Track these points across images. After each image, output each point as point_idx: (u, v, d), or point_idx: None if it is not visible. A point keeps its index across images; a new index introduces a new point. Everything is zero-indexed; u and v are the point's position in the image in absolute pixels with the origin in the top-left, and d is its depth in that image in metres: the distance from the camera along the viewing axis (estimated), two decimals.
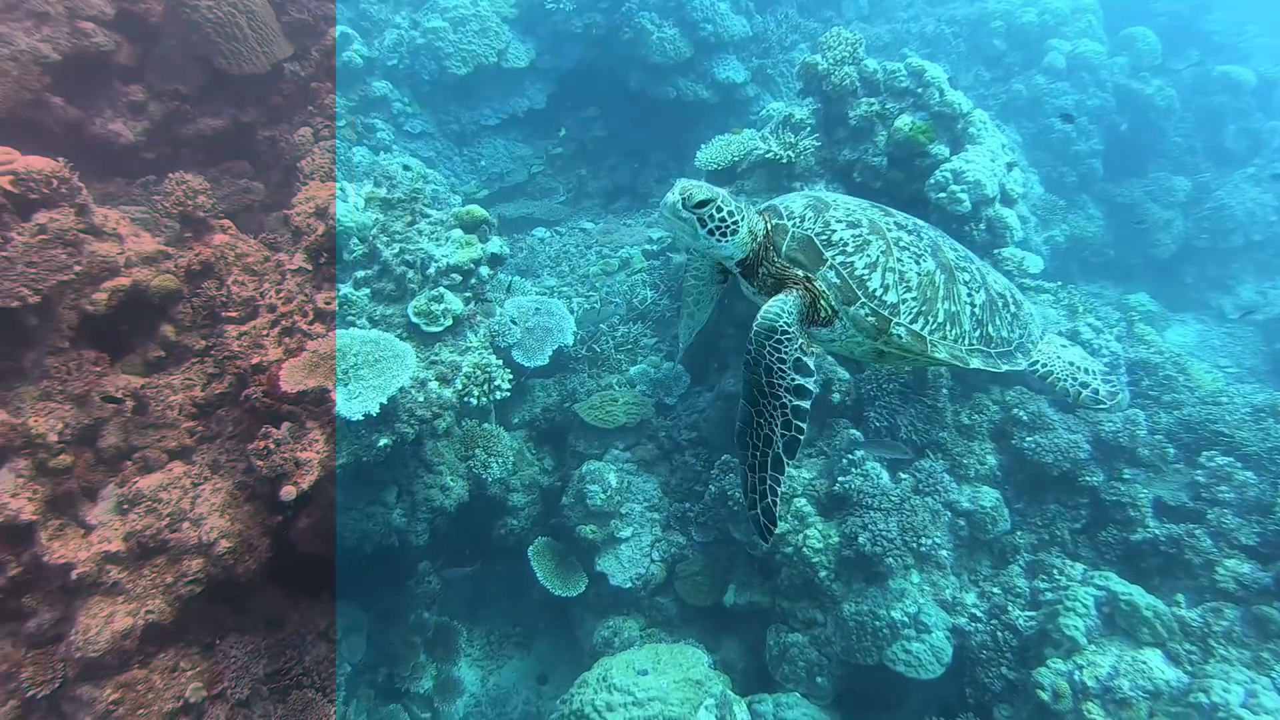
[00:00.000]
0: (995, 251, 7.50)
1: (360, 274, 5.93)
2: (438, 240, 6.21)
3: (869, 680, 6.83)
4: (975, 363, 3.53)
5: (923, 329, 3.35)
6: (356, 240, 5.89)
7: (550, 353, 8.21)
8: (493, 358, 6.50)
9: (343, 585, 6.60)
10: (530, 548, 7.77)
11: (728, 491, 7.26)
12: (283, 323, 5.75)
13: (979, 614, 6.77)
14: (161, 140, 7.79)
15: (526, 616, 8.71)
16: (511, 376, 6.71)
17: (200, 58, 7.79)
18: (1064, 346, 4.13)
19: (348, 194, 6.04)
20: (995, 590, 6.85)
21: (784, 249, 3.34)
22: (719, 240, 3.31)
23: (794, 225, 3.37)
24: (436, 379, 5.91)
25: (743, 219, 3.31)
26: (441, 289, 6.05)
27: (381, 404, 5.37)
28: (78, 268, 5.57)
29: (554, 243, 11.58)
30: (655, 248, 10.57)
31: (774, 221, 3.45)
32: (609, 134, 13.44)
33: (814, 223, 3.36)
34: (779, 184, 7.83)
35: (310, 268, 5.99)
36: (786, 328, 3.19)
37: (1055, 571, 6.69)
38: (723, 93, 12.67)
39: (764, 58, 13.26)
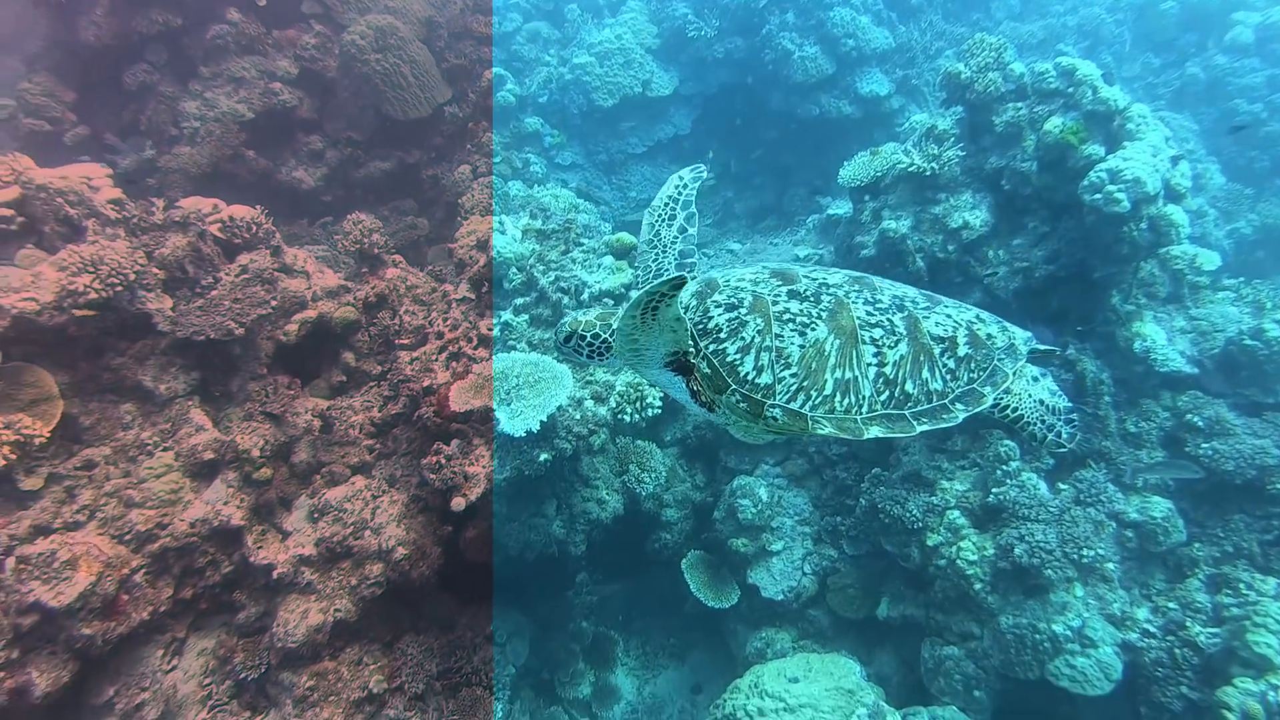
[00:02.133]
0: (1162, 251, 7.13)
1: (519, 301, 6.36)
2: (590, 268, 6.58)
3: (1031, 697, 6.61)
4: (873, 433, 3.24)
5: (802, 406, 3.20)
6: (515, 269, 6.32)
7: None
8: None
9: (506, 592, 7.01)
10: (684, 560, 7.98)
11: (879, 505, 7.22)
12: (450, 348, 6.26)
13: (1153, 629, 6.43)
14: (338, 184, 8.61)
15: (681, 628, 8.92)
16: (662, 395, 6.95)
17: (370, 106, 8.57)
18: (1034, 381, 3.64)
19: (505, 226, 6.50)
20: (1171, 605, 6.48)
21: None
22: (603, 357, 3.43)
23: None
24: (592, 398, 6.24)
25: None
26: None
27: (542, 421, 5.72)
28: (274, 303, 6.27)
29: (701, 265, 11.80)
30: None
31: None
32: (754, 156, 13.53)
33: (696, 311, 3.32)
34: (923, 196, 7.74)
35: (473, 296, 6.49)
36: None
37: (1242, 585, 6.25)
38: (866, 107, 12.52)
39: (908, 68, 13.02)
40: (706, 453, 8.90)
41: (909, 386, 3.24)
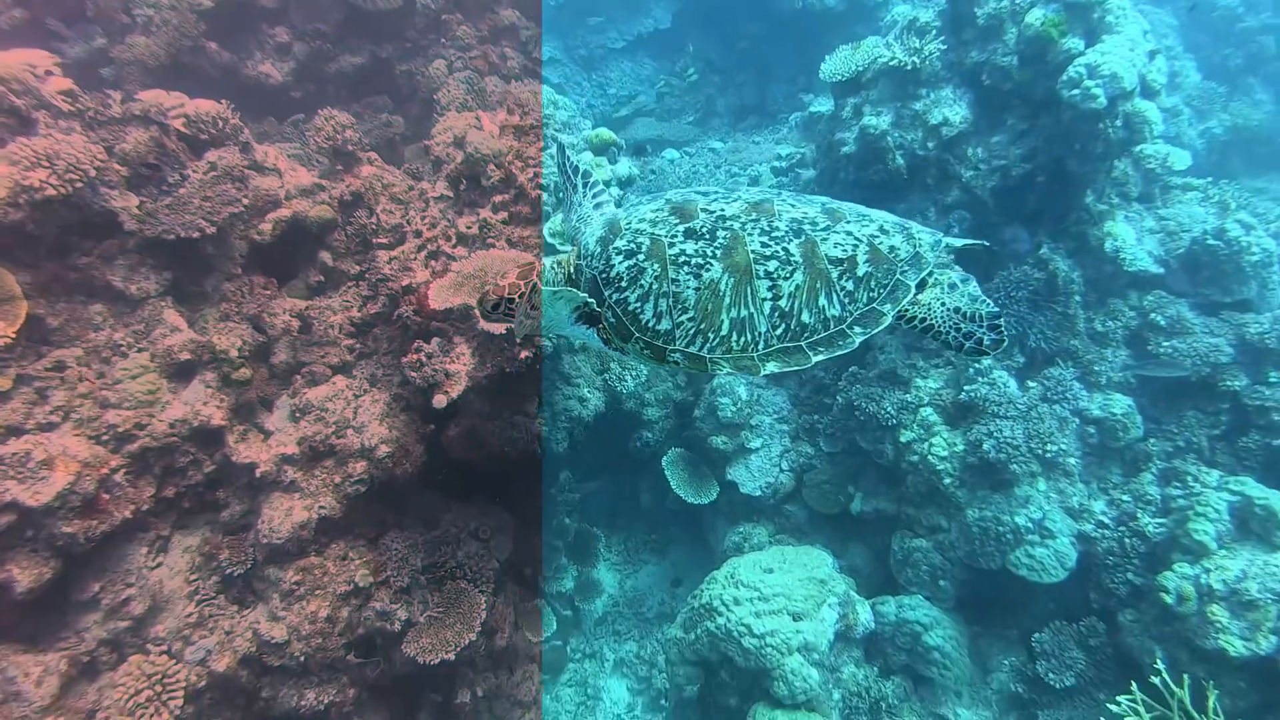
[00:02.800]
0: (1135, 149, 7.17)
1: (498, 199, 6.25)
2: None
3: (991, 585, 6.98)
4: (770, 368, 3.27)
5: (701, 349, 3.26)
6: (494, 166, 6.19)
7: None
8: None
9: (490, 490, 7.13)
10: (664, 458, 8.17)
11: (855, 402, 7.39)
12: (428, 247, 6.16)
13: (1107, 521, 6.76)
14: (307, 79, 8.28)
15: (661, 524, 9.18)
16: None
17: None
18: (951, 289, 3.52)
19: (482, 123, 6.33)
20: (1125, 498, 6.79)
21: (584, 289, 3.42)
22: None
23: (586, 265, 3.42)
24: None
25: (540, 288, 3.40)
26: None
27: None
28: (245, 201, 6.10)
29: (683, 164, 11.61)
30: (784, 164, 10.47)
31: (575, 264, 3.53)
32: (735, 51, 13.20)
33: (599, 260, 3.37)
34: (905, 91, 7.64)
35: (451, 194, 6.37)
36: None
37: (1190, 478, 6.56)
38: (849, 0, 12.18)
39: None
40: None
41: (805, 317, 3.24)
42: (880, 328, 3.32)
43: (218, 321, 6.15)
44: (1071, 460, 6.85)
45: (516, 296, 3.38)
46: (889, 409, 7.23)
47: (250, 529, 6.07)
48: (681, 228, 3.25)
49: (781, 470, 7.96)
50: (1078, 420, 6.95)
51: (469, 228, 6.19)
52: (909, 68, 7.52)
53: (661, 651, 8.36)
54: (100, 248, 5.90)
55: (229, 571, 5.96)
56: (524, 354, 5.86)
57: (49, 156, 5.45)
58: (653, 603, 8.81)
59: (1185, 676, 5.22)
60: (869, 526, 7.70)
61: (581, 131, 6.71)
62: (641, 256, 3.24)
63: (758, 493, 7.86)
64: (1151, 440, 6.95)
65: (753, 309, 3.19)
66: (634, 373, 7.56)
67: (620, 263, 3.26)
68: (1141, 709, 5.26)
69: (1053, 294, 7.11)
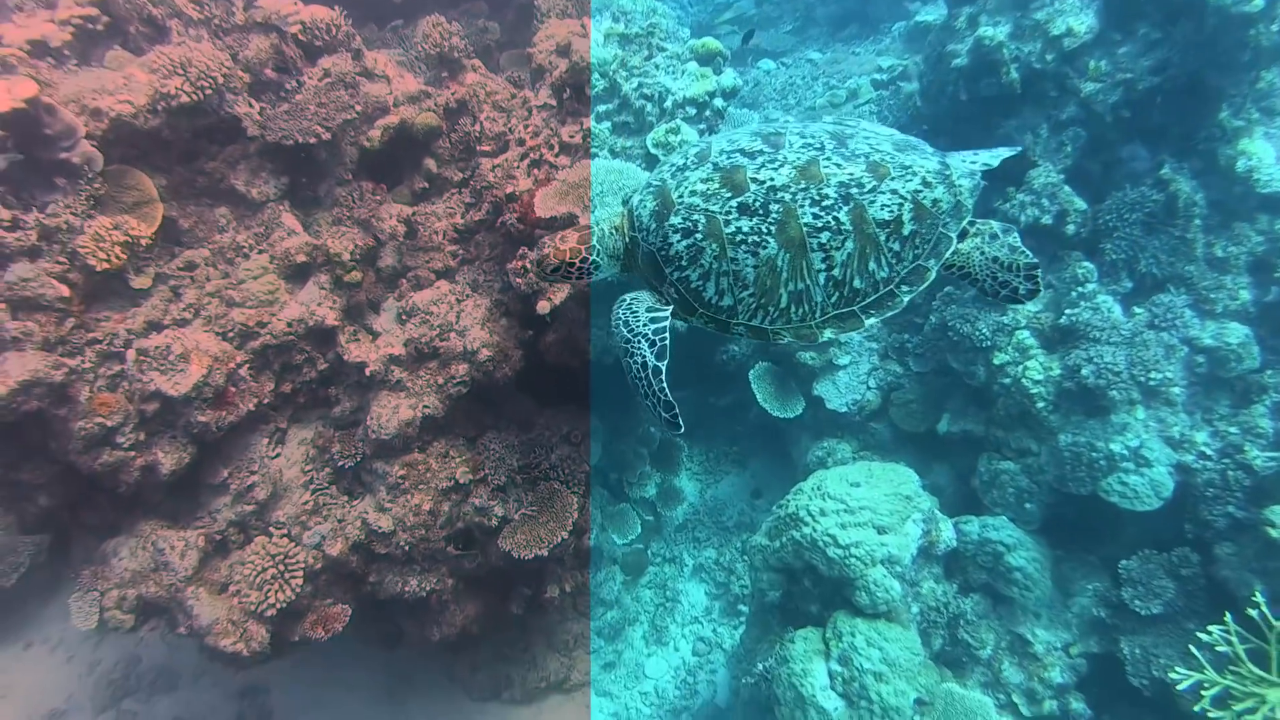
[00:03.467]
0: None
1: (601, 108, 6.27)
2: (674, 74, 6.40)
3: (1079, 510, 6.91)
4: (827, 335, 3.48)
5: (762, 322, 3.44)
6: (598, 75, 6.20)
7: None
8: None
9: (582, 396, 7.37)
10: (752, 371, 8.27)
11: (949, 322, 7.30)
12: (531, 155, 6.25)
13: (1209, 452, 6.57)
14: None
15: (744, 436, 9.34)
16: None
17: None
18: (992, 239, 3.59)
19: (586, 30, 6.31)
20: (1232, 430, 6.57)
21: (640, 263, 3.55)
22: (592, 277, 3.67)
23: (643, 239, 3.51)
24: None
25: (600, 255, 3.61)
26: (678, 121, 6.30)
27: None
28: (358, 108, 6.29)
29: (780, 74, 11.32)
30: (885, 77, 10.10)
31: (630, 234, 3.60)
32: None
33: (656, 235, 3.46)
34: (1027, 1, 7.21)
35: (554, 103, 6.41)
36: (634, 297, 3.55)
37: None
38: None
39: None
40: None
41: (857, 283, 3.39)
42: (926, 284, 3.48)
43: (330, 226, 6.43)
44: (1176, 390, 6.64)
45: (578, 260, 3.59)
46: (984, 330, 7.12)
47: (360, 425, 6.46)
48: (735, 202, 3.34)
49: (868, 388, 7.98)
50: (1186, 348, 6.70)
51: (572, 137, 6.24)
52: None
53: (742, 558, 8.63)
54: (224, 152, 6.21)
55: (340, 464, 6.39)
56: None
57: (183, 64, 5.71)
58: (732, 512, 9.05)
59: None
60: (955, 447, 7.68)
61: (684, 41, 6.60)
62: (699, 236, 3.36)
63: (844, 409, 7.92)
64: (1269, 371, 6.66)
65: (809, 281, 3.35)
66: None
67: (678, 241, 3.38)
68: (1235, 639, 5.23)
69: (1171, 216, 6.78)
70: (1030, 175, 7.12)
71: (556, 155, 6.21)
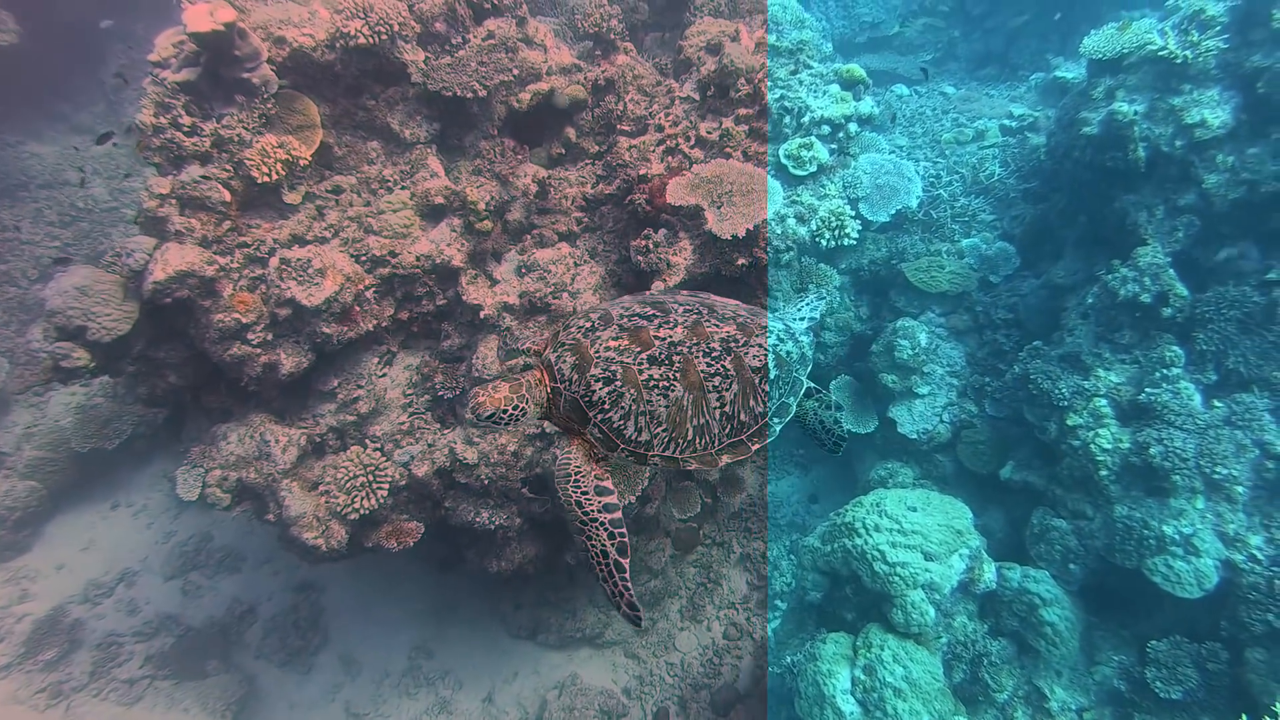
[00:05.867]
0: None
1: (741, 112, 6.58)
2: (815, 92, 6.68)
3: (1120, 582, 7.07)
4: (723, 461, 3.96)
5: (675, 452, 3.88)
6: (744, 80, 6.51)
7: (893, 211, 8.47)
8: (847, 207, 7.00)
9: None
10: (833, 381, 8.59)
11: (1031, 375, 7.51)
12: (667, 142, 6.61)
13: (1260, 556, 6.66)
14: None
15: (811, 442, 9.60)
16: (860, 227, 7.16)
17: None
18: (827, 408, 4.51)
19: (740, 36, 6.63)
20: None
21: (562, 409, 3.91)
22: (518, 423, 4.01)
23: (565, 389, 3.88)
24: (795, 217, 6.54)
25: (528, 404, 3.93)
26: (812, 138, 6.59)
27: (748, 229, 6.12)
28: (514, 71, 6.69)
29: (912, 102, 11.42)
30: (1014, 124, 10.18)
31: (552, 385, 3.96)
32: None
33: (579, 385, 3.85)
34: (1167, 83, 7.37)
35: (697, 98, 6.75)
36: (576, 470, 3.89)
37: None
38: None
39: None
40: (876, 287, 9.20)
41: (743, 416, 3.97)
42: (789, 416, 4.16)
43: (470, 174, 6.86)
44: (1239, 488, 6.76)
45: (510, 408, 3.97)
46: (1063, 390, 7.31)
47: (463, 361, 6.90)
48: (644, 356, 3.88)
49: (941, 420, 8.24)
50: (1258, 451, 6.81)
51: (709, 133, 6.57)
52: (1178, 60, 7.22)
53: (789, 556, 8.94)
54: (386, 93, 6.67)
55: (440, 394, 6.83)
56: (740, 261, 6.29)
57: (365, 9, 6.17)
58: (787, 511, 9.35)
59: None
60: (1013, 495, 7.90)
61: (825, 56, 6.86)
62: (619, 383, 3.84)
63: (914, 435, 8.19)
64: None
65: (708, 417, 3.90)
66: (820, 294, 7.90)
67: (600, 389, 3.84)
68: None
69: (1269, 321, 6.89)
70: (1137, 252, 7.27)
71: (692, 147, 6.55)
